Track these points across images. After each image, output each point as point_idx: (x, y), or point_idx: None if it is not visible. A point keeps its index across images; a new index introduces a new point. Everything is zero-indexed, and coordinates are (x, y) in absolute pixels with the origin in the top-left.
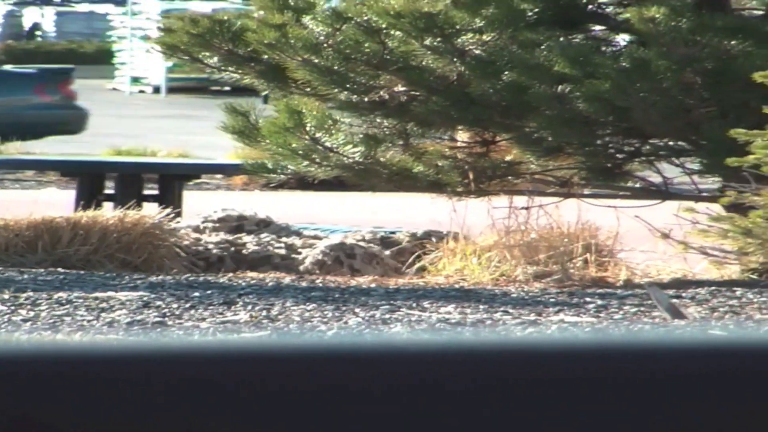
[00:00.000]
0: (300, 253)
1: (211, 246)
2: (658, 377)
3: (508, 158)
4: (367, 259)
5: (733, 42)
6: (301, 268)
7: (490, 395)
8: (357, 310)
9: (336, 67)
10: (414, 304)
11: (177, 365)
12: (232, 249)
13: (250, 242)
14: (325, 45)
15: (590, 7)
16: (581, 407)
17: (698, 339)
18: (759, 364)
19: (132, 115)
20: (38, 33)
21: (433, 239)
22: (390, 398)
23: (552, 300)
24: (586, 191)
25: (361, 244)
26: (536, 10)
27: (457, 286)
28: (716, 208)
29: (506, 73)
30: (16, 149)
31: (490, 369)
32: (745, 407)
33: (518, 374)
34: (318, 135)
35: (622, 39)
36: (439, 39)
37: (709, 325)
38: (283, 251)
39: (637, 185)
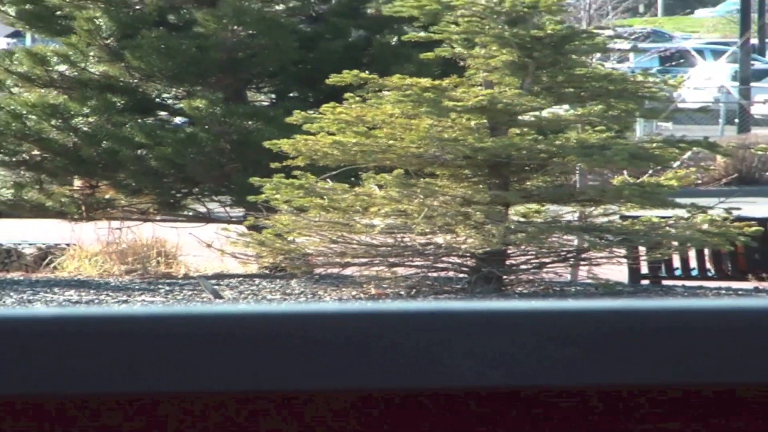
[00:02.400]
0: None
1: None
2: (205, 340)
3: (107, 196)
4: (16, 257)
5: (250, 122)
6: None
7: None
8: (11, 293)
9: None
10: (48, 290)
11: None
12: None
13: None
14: None
15: (157, 100)
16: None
17: (230, 311)
18: (275, 332)
19: None
20: None
21: (61, 248)
22: None
23: (137, 287)
24: (159, 218)
25: (15, 249)
26: (123, 102)
27: (76, 278)
28: (242, 228)
29: (105, 142)
30: None
31: (104, 338)
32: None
33: (112, 341)
34: None
35: (179, 120)
36: (60, 120)
37: (240, 303)
38: None
39: (191, 214)
